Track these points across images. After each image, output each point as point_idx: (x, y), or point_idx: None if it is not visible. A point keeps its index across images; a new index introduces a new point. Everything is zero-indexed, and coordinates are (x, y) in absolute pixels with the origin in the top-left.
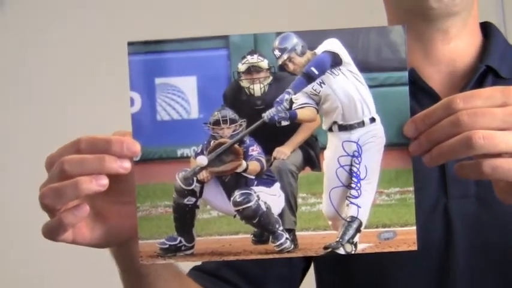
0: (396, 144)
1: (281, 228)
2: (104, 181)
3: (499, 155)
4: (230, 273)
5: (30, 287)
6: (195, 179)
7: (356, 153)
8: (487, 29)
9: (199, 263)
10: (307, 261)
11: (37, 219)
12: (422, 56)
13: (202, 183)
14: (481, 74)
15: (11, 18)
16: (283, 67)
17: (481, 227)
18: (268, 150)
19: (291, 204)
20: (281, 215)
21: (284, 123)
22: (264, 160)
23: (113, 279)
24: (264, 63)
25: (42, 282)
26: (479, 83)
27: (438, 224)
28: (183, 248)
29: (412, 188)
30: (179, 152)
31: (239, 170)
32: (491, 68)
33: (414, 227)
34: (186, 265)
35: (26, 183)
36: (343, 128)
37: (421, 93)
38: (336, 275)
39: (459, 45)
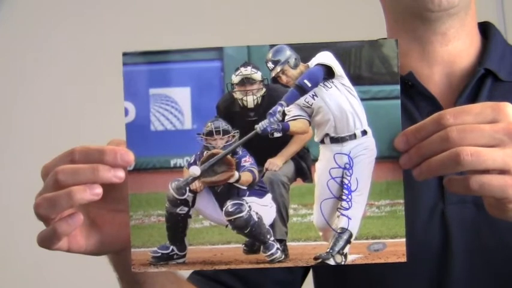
0: (387, 157)
1: (272, 238)
2: (98, 190)
3: (487, 171)
4: (230, 277)
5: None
6: (187, 188)
7: (347, 166)
8: (486, 29)
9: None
10: (306, 266)
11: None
12: (420, 58)
13: (194, 193)
14: (480, 78)
15: (11, 19)
16: (276, 79)
17: (478, 232)
18: (260, 162)
19: (282, 215)
20: (272, 225)
21: (276, 134)
22: (256, 171)
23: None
24: (258, 75)
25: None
26: (478, 87)
27: (436, 229)
28: (175, 256)
29: (402, 201)
30: (172, 162)
31: (231, 180)
32: (490, 71)
33: (404, 239)
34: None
35: (24, 189)
36: (335, 140)
37: (418, 96)
38: (332, 281)
39: (457, 47)
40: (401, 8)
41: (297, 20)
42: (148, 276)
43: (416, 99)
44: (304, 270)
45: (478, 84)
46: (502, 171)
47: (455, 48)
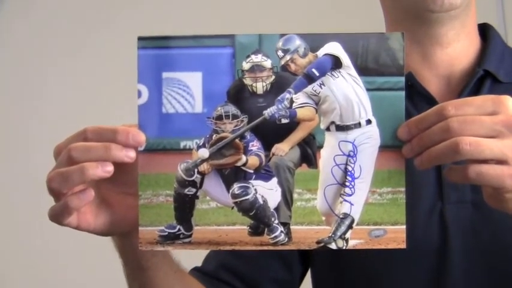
0: (390, 146)
1: (276, 221)
2: (109, 168)
3: (485, 161)
4: (229, 275)
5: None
6: (196, 170)
7: (351, 153)
8: (485, 30)
9: (199, 263)
10: (304, 266)
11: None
12: (419, 60)
13: (202, 174)
14: (479, 79)
15: (11, 18)
16: (285, 67)
17: (476, 232)
18: (267, 146)
19: (287, 199)
20: (277, 209)
21: (284, 121)
22: (263, 155)
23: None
24: (268, 63)
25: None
26: (477, 88)
27: (434, 228)
28: (181, 236)
29: (403, 189)
30: (182, 144)
31: (239, 163)
32: (489, 72)
33: (404, 226)
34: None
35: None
36: (340, 128)
37: (418, 96)
38: (331, 279)
39: (457, 48)
40: (401, 8)
41: (299, 19)
42: (152, 263)
43: (416, 99)
44: (303, 270)
45: (477, 85)
46: (500, 162)
47: (455, 50)
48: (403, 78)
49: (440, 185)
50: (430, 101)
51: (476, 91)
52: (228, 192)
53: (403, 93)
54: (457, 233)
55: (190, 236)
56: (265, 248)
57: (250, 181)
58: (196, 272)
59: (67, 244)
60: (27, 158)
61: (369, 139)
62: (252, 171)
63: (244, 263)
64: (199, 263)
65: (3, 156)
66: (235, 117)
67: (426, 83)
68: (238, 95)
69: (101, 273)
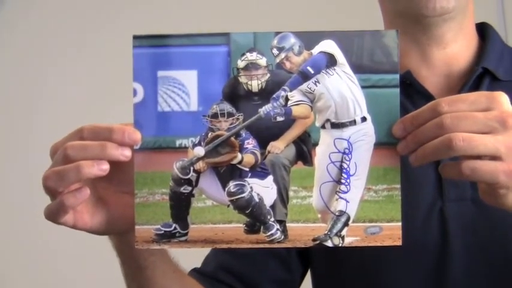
0: (385, 143)
1: (272, 219)
2: (105, 166)
3: (479, 157)
4: (228, 276)
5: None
6: (191, 168)
7: (347, 151)
8: (483, 30)
9: (198, 264)
10: (304, 265)
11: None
12: (418, 60)
13: (198, 173)
14: (478, 77)
15: (11, 18)
16: (280, 65)
17: (476, 230)
18: (263, 144)
19: (283, 197)
20: (273, 206)
21: (279, 118)
22: (258, 153)
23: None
24: (263, 61)
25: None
26: (476, 86)
27: (434, 226)
28: (177, 234)
29: (398, 186)
30: (178, 142)
31: (234, 161)
32: (488, 70)
33: (400, 223)
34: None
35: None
36: (336, 125)
37: (416, 95)
38: (331, 278)
39: (455, 49)
40: (398, 10)
41: (303, 12)
42: (150, 262)
43: (415, 97)
44: (303, 270)
45: (476, 83)
46: (494, 157)
47: (453, 50)
48: (397, 76)
49: (440, 183)
50: (429, 99)
51: (475, 89)
52: (224, 190)
53: (397, 90)
54: (457, 230)
55: (186, 234)
56: (261, 245)
57: (246, 179)
58: (195, 273)
59: (67, 244)
60: (27, 158)
61: (364, 136)
62: (247, 169)
63: (243, 264)
64: (198, 264)
65: (3, 156)
66: (230, 115)
67: (425, 82)
68: (234, 93)
69: (101, 273)
